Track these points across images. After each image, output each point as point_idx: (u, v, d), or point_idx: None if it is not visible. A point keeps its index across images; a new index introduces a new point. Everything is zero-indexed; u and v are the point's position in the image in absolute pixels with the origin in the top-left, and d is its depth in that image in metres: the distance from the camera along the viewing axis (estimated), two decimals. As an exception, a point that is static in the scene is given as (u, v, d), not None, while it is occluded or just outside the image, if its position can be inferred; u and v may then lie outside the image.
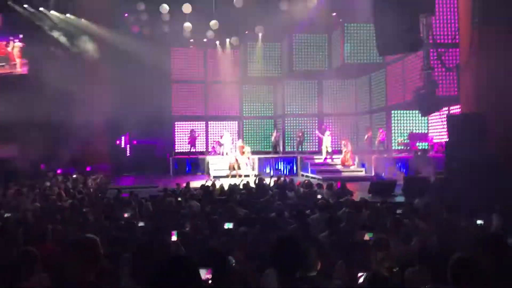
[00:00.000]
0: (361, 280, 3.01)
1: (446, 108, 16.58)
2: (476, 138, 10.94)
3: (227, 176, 18.28)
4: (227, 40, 22.89)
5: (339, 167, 19.32)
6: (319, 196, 10.56)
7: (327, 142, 19.95)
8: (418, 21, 12.89)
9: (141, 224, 6.92)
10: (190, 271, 1.89)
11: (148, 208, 9.78)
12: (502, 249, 3.27)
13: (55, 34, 19.13)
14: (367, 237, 5.34)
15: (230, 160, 19.03)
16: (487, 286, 2.65)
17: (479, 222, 5.79)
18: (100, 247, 2.90)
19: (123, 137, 24.72)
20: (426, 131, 20.02)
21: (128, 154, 24.66)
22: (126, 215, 8.20)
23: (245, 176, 18.01)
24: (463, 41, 12.77)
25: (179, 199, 10.26)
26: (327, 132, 20.17)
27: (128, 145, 25.05)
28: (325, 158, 19.99)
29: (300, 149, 21.99)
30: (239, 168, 18.70)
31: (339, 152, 20.04)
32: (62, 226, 6.69)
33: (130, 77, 19.61)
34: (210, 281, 2.49)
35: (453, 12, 16.59)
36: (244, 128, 24.36)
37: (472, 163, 10.63)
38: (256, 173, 19.15)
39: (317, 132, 21.54)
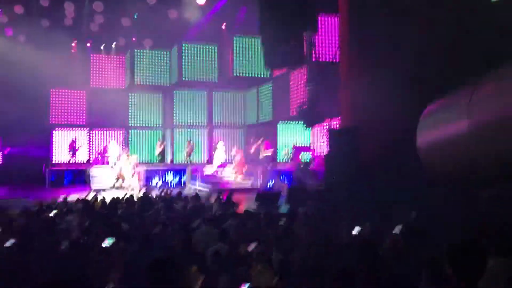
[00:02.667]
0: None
1: (327, 123, 17.61)
2: (351, 151, 11.75)
3: (111, 188, 17.43)
4: (113, 44, 21.99)
5: (227, 178, 19.47)
6: (207, 208, 10.50)
7: (220, 153, 19.94)
8: (302, 38, 13.57)
9: (9, 243, 6.20)
10: None
11: (19, 224, 8.89)
12: (373, 256, 3.48)
13: None
14: (251, 248, 5.36)
15: (115, 172, 18.19)
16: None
17: (354, 232, 6.14)
18: None
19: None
20: (308, 145, 21.07)
21: (-1, 164, 22.39)
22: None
23: (131, 188, 17.33)
24: (343, 60, 13.69)
25: (54, 213, 9.49)
26: (221, 143, 20.21)
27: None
28: (216, 170, 19.99)
29: (189, 161, 21.78)
30: (124, 179, 17.93)
31: (230, 163, 20.22)
32: None
33: (1, 80, 17.85)
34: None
35: (334, 32, 17.71)
36: (130, 138, 23.45)
37: (348, 175, 11.39)
38: (142, 185, 18.54)
39: (207, 142, 21.50)
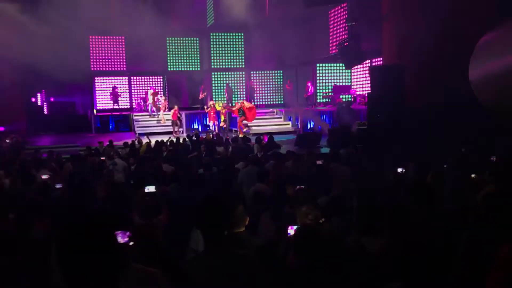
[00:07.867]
0: (291, 233, 2.99)
1: (369, 61, 17.01)
2: (396, 89, 11.33)
3: (159, 133, 17.78)
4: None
5: (265, 121, 19.34)
6: (248, 150, 10.56)
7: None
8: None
9: (58, 185, 6.47)
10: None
11: (68, 168, 9.27)
12: (432, 199, 3.40)
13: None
14: (291, 190, 5.27)
15: (158, 117, 18.52)
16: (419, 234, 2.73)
17: (399, 170, 6.00)
18: None
19: (39, 94, 23.13)
20: (349, 84, 20.57)
21: (45, 112, 23.21)
22: (44, 176, 7.69)
23: (174, 132, 17.64)
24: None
25: (103, 158, 9.82)
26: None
27: (45, 103, 23.52)
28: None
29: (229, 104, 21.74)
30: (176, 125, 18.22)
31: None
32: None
33: (44, 29, 17.98)
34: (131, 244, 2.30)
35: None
36: (169, 83, 23.59)
37: (392, 113, 11.06)
38: (184, 130, 18.82)
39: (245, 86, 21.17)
